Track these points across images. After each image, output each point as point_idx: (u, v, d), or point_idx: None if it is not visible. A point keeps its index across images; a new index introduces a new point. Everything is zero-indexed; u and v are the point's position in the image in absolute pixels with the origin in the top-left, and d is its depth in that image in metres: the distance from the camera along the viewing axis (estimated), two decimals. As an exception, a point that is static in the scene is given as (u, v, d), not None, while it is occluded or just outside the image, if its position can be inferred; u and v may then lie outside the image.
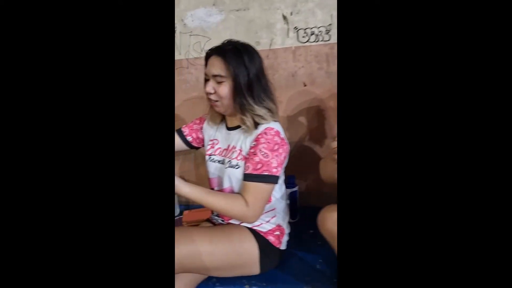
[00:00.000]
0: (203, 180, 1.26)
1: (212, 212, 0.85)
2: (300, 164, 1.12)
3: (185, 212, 1.11)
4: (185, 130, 0.88)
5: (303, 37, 1.02)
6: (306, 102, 1.06)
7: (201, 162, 1.23)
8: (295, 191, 1.02)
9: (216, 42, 1.08)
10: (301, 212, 1.06)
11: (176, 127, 1.21)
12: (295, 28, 1.02)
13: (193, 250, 0.63)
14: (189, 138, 0.88)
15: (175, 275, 0.66)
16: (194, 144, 0.88)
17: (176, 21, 1.11)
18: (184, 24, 1.11)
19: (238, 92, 0.69)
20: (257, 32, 1.05)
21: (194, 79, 1.15)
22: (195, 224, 1.02)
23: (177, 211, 1.19)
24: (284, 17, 1.02)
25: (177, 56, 1.14)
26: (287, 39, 1.03)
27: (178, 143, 0.88)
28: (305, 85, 1.05)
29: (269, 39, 1.04)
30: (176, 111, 1.21)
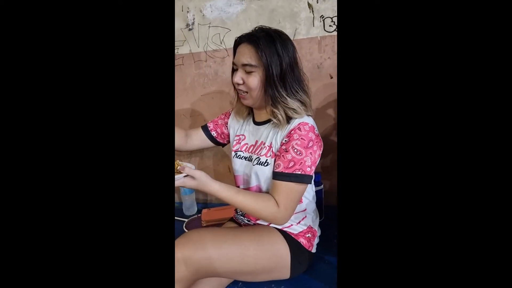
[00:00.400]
0: (222, 178, 1.22)
1: (236, 211, 0.81)
2: (325, 162, 1.07)
3: (204, 210, 1.08)
4: (210, 125, 0.85)
5: (330, 26, 0.96)
6: (332, 95, 1.00)
7: (220, 159, 1.19)
8: (321, 189, 0.97)
9: (236, 33, 1.04)
10: (326, 212, 1.00)
11: (193, 124, 1.19)
12: (321, 16, 0.96)
13: (223, 253, 0.58)
14: (213, 134, 0.84)
15: (203, 279, 0.62)
16: (219, 140, 0.85)
17: (194, 12, 1.07)
18: (203, 15, 1.06)
19: (269, 83, 0.64)
20: (280, 22, 0.99)
21: (212, 72, 1.10)
22: (215, 223, 0.98)
23: (194, 209, 1.16)
24: (310, 5, 0.96)
25: (195, 49, 1.10)
26: (312, 29, 0.97)
27: (203, 139, 0.85)
28: (331, 77, 0.99)
29: (293, 29, 0.99)
30: (194, 107, 1.17)
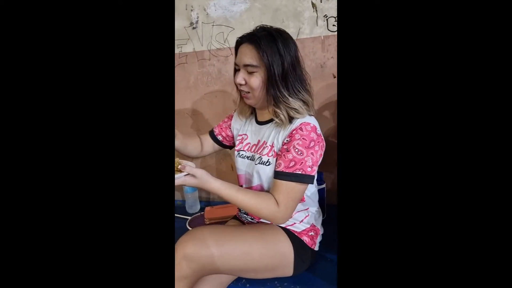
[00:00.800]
0: (224, 176, 1.23)
1: (240, 209, 0.81)
2: (327, 161, 1.07)
3: (207, 208, 1.08)
4: (216, 130, 0.86)
5: (333, 25, 0.96)
6: (335, 95, 1.00)
7: (222, 157, 1.20)
8: (323, 188, 0.98)
9: (239, 32, 1.04)
10: (328, 210, 1.01)
11: (196, 123, 1.19)
12: (325, 16, 0.96)
13: (227, 250, 0.59)
14: (219, 138, 0.85)
15: (206, 277, 0.63)
16: (225, 143, 0.86)
17: (198, 11, 1.07)
18: (207, 14, 1.06)
19: (271, 83, 0.64)
20: (284, 21, 0.99)
21: (216, 71, 1.11)
22: (219, 221, 0.99)
23: (197, 207, 1.16)
24: (313, 5, 0.96)
25: (198, 48, 1.10)
26: (316, 28, 0.98)
27: (212, 144, 0.86)
28: (334, 77, 1.00)
29: (296, 29, 0.99)
30: (195, 106, 1.17)
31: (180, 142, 0.78)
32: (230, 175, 1.20)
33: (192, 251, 0.56)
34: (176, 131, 0.76)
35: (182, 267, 0.56)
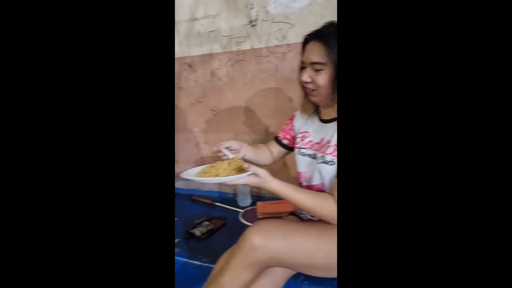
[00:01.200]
0: (276, 175, 1.22)
1: (297, 206, 0.82)
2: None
3: (259, 203, 1.11)
4: (280, 135, 0.87)
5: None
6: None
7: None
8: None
9: (299, 28, 1.04)
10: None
11: (250, 119, 1.22)
12: (393, 9, 0.91)
13: (293, 244, 0.60)
14: (284, 142, 0.86)
15: (262, 275, 0.64)
16: (291, 145, 0.86)
17: (258, 8, 1.08)
18: (267, 11, 1.07)
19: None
20: (347, 16, 0.96)
21: (273, 68, 1.12)
22: (272, 216, 1.01)
23: (248, 201, 1.20)
24: (381, -2, 0.91)
25: (256, 45, 1.12)
26: (382, 23, 0.93)
27: (279, 150, 0.87)
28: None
29: (360, 23, 0.95)
30: (247, 103, 1.20)
31: (252, 153, 0.80)
32: (282, 173, 1.21)
33: (260, 242, 0.58)
34: (244, 143, 0.78)
35: (250, 256, 0.58)
